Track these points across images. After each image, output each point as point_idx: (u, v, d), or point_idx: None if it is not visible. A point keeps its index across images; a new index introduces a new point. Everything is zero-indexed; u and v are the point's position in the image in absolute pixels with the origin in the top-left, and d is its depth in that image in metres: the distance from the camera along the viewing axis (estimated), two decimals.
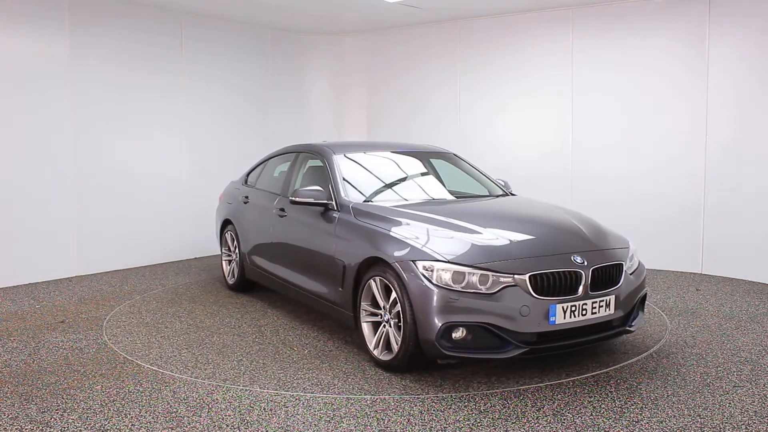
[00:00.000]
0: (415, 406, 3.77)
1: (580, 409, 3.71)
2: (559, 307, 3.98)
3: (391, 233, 4.41)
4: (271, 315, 5.85)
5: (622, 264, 4.34)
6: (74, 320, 5.62)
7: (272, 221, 5.93)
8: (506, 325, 3.90)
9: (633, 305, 4.41)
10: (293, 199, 5.20)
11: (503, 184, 5.94)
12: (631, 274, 4.42)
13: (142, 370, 4.38)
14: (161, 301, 6.32)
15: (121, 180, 7.80)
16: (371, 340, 4.46)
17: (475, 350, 3.98)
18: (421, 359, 4.15)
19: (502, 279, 3.94)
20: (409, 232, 4.36)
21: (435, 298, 3.93)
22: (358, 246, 4.58)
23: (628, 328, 4.39)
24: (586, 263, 4.14)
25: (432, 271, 3.99)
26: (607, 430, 3.45)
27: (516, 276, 3.95)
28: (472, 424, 3.52)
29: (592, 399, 3.85)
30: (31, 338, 5.12)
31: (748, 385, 4.07)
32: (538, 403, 3.79)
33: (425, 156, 5.99)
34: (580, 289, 4.07)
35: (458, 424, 3.52)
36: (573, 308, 4.03)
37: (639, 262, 4.65)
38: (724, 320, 5.52)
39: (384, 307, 4.33)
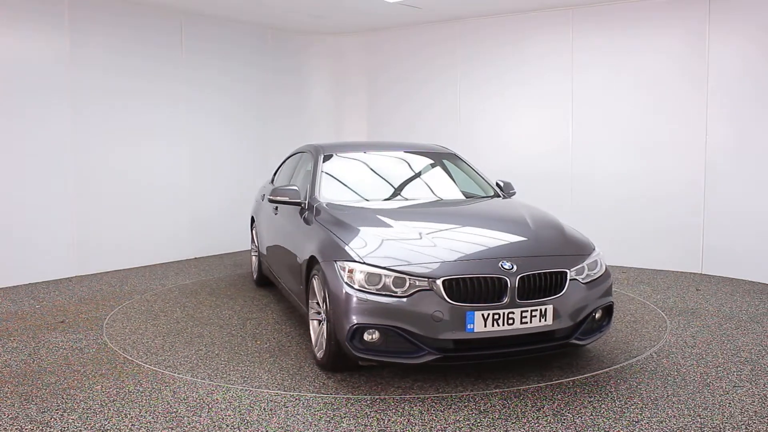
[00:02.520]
0: (415, 406, 3.77)
1: (580, 409, 3.71)
2: (477, 314, 3.80)
3: (330, 233, 4.45)
4: (269, 309, 5.92)
5: (565, 272, 4.06)
6: (74, 320, 5.62)
7: (271, 218, 6.09)
8: (418, 330, 3.80)
9: (584, 317, 4.11)
10: (270, 197, 5.31)
11: (502, 185, 5.79)
12: (585, 283, 4.14)
13: (142, 370, 4.38)
14: (161, 301, 6.32)
15: (121, 180, 7.79)
16: (313, 338, 4.51)
17: (387, 354, 3.92)
18: (346, 360, 4.15)
19: (417, 282, 3.85)
20: (344, 232, 4.38)
21: (346, 298, 3.92)
22: (309, 244, 4.63)
23: (573, 341, 4.09)
24: (515, 269, 3.93)
25: (349, 271, 3.98)
26: (607, 430, 3.45)
27: (431, 280, 3.84)
28: (472, 424, 3.52)
29: (592, 399, 3.85)
30: (31, 338, 5.12)
31: (748, 385, 4.07)
32: (538, 403, 3.79)
33: (423, 156, 5.97)
34: (506, 296, 3.87)
35: (458, 424, 3.52)
36: (496, 316, 3.82)
37: (604, 272, 4.36)
38: (724, 320, 5.52)
39: (320, 305, 4.38)
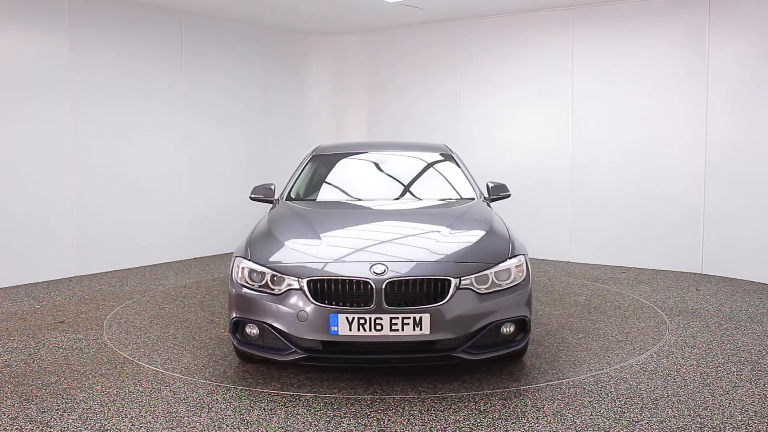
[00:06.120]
0: (415, 406, 3.76)
1: (580, 409, 3.71)
2: (341, 317, 3.76)
3: (253, 230, 4.62)
4: None
5: (449, 280, 3.85)
6: (74, 320, 5.62)
7: None
8: (285, 328, 3.87)
9: (478, 330, 3.89)
10: (250, 195, 5.48)
11: (490, 187, 5.55)
12: (483, 293, 3.91)
13: (142, 370, 4.38)
14: (161, 301, 6.32)
15: (122, 180, 7.79)
16: None
17: (263, 349, 4.04)
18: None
19: (289, 281, 3.91)
20: (259, 231, 4.55)
21: (234, 293, 4.10)
22: None
23: (457, 354, 3.86)
24: (385, 273, 3.83)
25: (242, 268, 4.13)
26: (607, 430, 3.45)
27: (299, 279, 3.88)
28: (472, 424, 3.52)
29: (592, 399, 3.85)
30: (31, 338, 5.12)
31: (748, 385, 4.07)
32: (538, 403, 3.79)
33: (413, 157, 5.90)
34: (373, 301, 3.77)
35: (458, 424, 3.52)
36: (362, 321, 3.74)
37: (519, 283, 4.05)
38: (724, 320, 5.52)
39: None
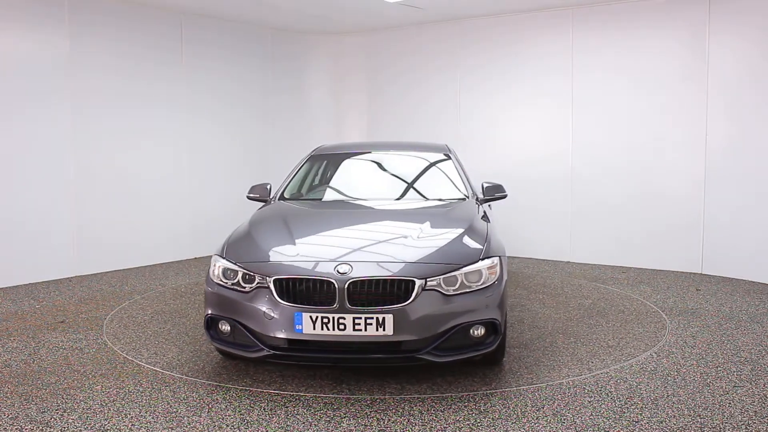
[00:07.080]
0: (415, 406, 3.76)
1: (580, 409, 3.71)
2: (305, 315, 3.78)
3: (235, 229, 4.69)
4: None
5: (413, 281, 3.82)
6: (74, 320, 5.62)
7: None
8: (253, 325, 3.93)
9: (442, 331, 3.83)
10: (247, 195, 5.54)
11: (484, 187, 5.48)
12: (451, 295, 3.86)
13: (142, 370, 4.38)
14: (161, 301, 6.32)
15: (122, 180, 7.79)
16: None
17: (234, 345, 4.08)
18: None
19: (258, 280, 3.96)
20: (240, 229, 4.64)
21: (207, 290, 4.21)
22: None
23: (422, 356, 3.81)
24: (348, 273, 3.83)
25: (217, 266, 4.23)
26: (607, 430, 3.45)
27: (268, 278, 3.92)
28: (472, 424, 3.52)
29: (592, 399, 3.85)
30: (31, 338, 5.12)
31: (748, 385, 4.07)
32: (538, 403, 3.79)
33: (409, 156, 5.91)
34: (336, 300, 3.78)
35: (458, 424, 3.52)
36: (325, 320, 3.76)
37: (490, 285, 3.97)
38: (724, 320, 5.52)
39: None
